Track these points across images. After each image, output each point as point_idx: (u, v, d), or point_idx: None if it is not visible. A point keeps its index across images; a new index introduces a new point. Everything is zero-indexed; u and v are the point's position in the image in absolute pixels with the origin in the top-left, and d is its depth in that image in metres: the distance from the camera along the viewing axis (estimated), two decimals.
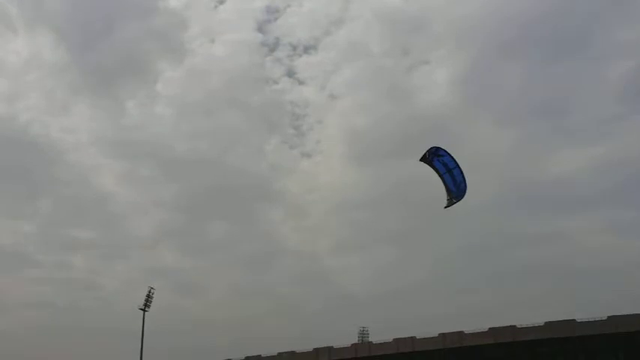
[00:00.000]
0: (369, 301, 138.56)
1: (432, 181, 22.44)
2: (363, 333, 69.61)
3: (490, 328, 50.14)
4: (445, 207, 22.46)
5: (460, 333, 51.25)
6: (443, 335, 52.65)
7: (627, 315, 45.45)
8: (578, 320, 47.45)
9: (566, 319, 47.95)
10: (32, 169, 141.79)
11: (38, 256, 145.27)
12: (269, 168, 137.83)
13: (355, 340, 66.16)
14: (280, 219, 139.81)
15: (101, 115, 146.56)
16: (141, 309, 71.68)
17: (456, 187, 21.90)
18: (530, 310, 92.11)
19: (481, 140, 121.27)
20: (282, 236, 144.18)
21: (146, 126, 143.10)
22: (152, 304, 72.78)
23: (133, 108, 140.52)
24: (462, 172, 21.82)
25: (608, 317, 46.19)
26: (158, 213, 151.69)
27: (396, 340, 54.66)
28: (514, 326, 49.55)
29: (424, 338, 53.27)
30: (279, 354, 61.16)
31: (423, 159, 22.10)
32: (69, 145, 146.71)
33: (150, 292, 73.00)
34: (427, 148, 21.98)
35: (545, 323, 48.30)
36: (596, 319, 46.82)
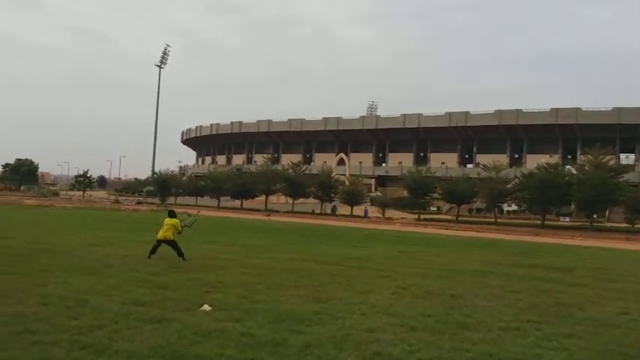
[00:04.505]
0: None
1: None
2: (372, 107, 74.10)
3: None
4: None
5: (466, 113, 56.08)
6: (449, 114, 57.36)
7: None
8: None
9: None
10: None
11: None
12: None
13: (364, 113, 71.20)
14: None
15: None
16: None
17: None
18: None
19: None
20: None
21: None
22: None
23: None
24: None
25: None
26: None
27: (404, 116, 59.65)
28: None
29: (431, 116, 58.10)
30: (290, 120, 66.41)
31: None
32: None
33: None
34: None
35: None
36: None
